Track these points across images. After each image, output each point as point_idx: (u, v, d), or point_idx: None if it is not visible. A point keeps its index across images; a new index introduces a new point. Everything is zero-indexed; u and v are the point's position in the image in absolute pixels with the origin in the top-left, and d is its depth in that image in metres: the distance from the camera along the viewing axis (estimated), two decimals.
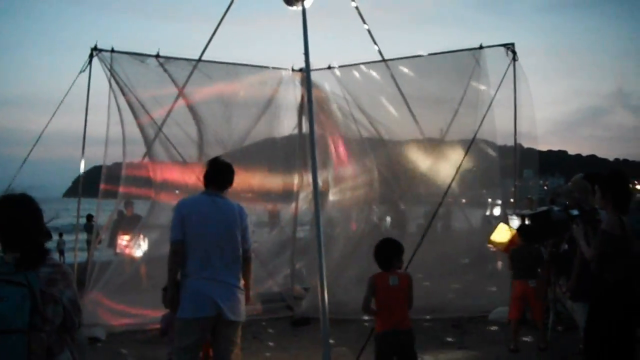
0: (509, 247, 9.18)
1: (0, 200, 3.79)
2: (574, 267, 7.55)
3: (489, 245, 10.15)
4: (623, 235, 5.64)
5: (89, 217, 16.53)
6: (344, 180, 12.28)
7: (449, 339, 9.35)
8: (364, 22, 10.96)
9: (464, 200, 12.20)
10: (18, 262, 3.57)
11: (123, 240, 12.11)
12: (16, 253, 3.61)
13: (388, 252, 6.15)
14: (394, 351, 5.97)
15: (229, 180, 6.01)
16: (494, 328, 9.89)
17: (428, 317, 10.29)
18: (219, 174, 5.98)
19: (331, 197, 12.38)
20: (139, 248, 11.27)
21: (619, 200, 5.80)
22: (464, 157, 9.00)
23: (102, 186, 10.79)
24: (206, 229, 5.69)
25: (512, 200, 11.63)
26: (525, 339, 8.93)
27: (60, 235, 24.30)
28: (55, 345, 3.72)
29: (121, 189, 11.07)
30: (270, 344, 9.31)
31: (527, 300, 8.70)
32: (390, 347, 5.97)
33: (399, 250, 6.21)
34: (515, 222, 9.46)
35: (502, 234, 9.46)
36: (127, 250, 11.48)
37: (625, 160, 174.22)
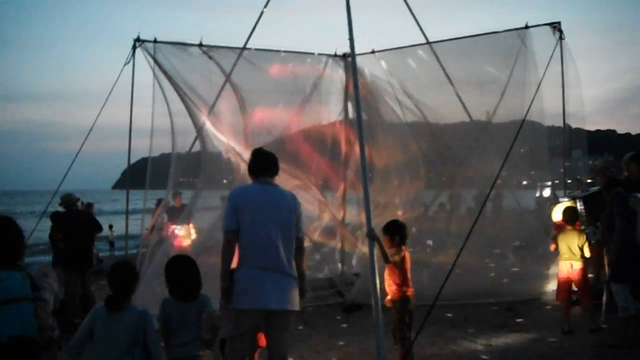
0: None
1: None
2: (614, 242, 7.35)
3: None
4: None
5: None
6: (390, 166, 12.20)
7: (503, 323, 9.28)
8: (407, 6, 10.83)
9: (524, 182, 12.07)
10: None
11: (172, 230, 12.19)
12: None
13: None
14: None
15: (275, 169, 5.96)
16: (547, 311, 9.78)
17: (481, 300, 10.29)
18: (264, 162, 5.94)
19: (377, 182, 12.31)
20: (189, 237, 11.33)
21: None
22: (514, 140, 8.81)
23: (149, 177, 10.89)
24: (259, 217, 5.61)
25: (557, 181, 11.49)
26: (580, 320, 8.80)
27: (110, 227, 24.84)
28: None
29: (170, 180, 11.11)
30: (322, 330, 9.32)
31: (572, 281, 8.63)
32: None
33: None
34: (566, 204, 9.27)
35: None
36: (176, 241, 11.55)
37: None
